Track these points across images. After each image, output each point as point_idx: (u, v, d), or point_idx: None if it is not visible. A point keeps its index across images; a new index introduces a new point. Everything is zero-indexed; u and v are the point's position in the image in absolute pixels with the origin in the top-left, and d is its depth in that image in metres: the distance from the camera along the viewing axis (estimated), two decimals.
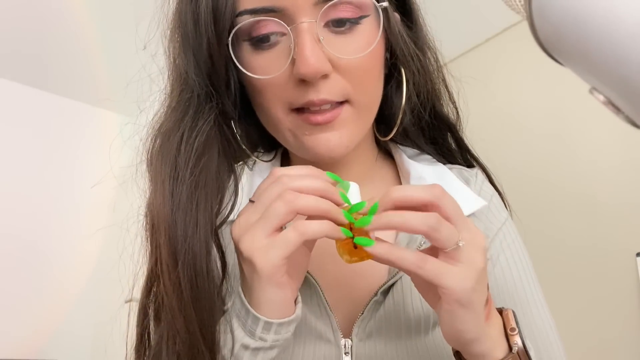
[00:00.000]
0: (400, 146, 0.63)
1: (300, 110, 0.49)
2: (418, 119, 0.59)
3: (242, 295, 0.42)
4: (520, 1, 0.34)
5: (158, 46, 0.54)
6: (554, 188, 1.73)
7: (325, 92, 0.47)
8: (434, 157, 0.62)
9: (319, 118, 0.48)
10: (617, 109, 0.26)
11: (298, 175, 0.41)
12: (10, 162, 2.61)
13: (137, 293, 0.51)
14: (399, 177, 0.61)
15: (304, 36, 0.45)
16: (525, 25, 0.30)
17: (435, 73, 0.59)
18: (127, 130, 0.59)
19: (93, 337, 2.65)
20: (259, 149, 0.62)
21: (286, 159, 0.62)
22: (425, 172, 0.57)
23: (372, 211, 0.40)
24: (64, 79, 2.66)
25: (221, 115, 0.51)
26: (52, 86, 2.73)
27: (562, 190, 1.72)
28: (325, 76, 0.47)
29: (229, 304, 0.49)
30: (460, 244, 0.38)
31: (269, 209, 0.39)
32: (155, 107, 0.53)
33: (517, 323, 0.42)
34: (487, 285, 0.41)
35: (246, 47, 0.48)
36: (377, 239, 0.40)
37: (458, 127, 0.63)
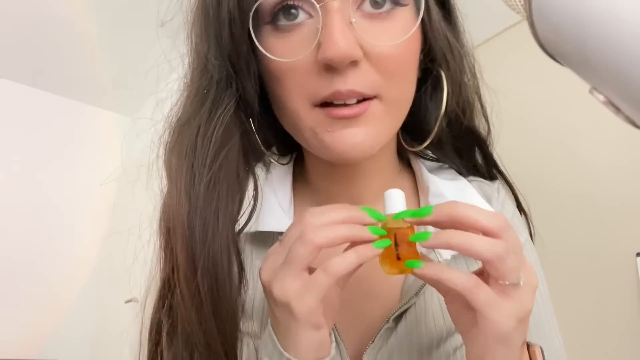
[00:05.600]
0: (421, 158, 0.58)
1: (323, 105, 0.44)
2: (448, 130, 0.54)
3: (275, 339, 0.39)
4: (520, 1, 0.34)
5: (179, 31, 0.51)
6: (554, 188, 1.73)
7: (354, 82, 0.41)
8: (455, 168, 0.58)
9: (345, 111, 0.42)
10: (617, 109, 0.26)
11: (320, 210, 0.38)
12: (10, 162, 2.61)
13: (149, 304, 0.48)
14: (417, 191, 0.56)
15: (333, 16, 0.40)
16: (525, 25, 0.30)
17: (471, 82, 0.55)
18: (140, 124, 0.57)
19: (93, 337, 2.65)
20: (273, 150, 0.57)
21: (300, 163, 0.57)
22: (446, 188, 0.53)
23: (420, 214, 0.37)
24: (64, 79, 2.66)
25: (242, 102, 0.47)
26: (52, 86, 2.73)
27: (561, 190, 1.72)
28: (354, 63, 0.41)
29: (246, 325, 0.46)
30: (520, 282, 0.35)
31: (290, 252, 0.37)
32: (173, 99, 0.50)
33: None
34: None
35: (268, 31, 0.44)
36: (424, 257, 0.38)
37: (488, 142, 0.58)
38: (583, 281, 1.65)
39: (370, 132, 0.44)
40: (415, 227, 0.39)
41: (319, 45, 0.41)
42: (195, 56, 0.48)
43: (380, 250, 0.37)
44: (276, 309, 0.38)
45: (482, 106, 0.57)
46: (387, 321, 0.47)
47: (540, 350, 0.40)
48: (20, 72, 2.60)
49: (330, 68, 0.41)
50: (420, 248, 0.39)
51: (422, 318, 0.48)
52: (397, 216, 0.39)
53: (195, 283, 0.41)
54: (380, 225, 0.39)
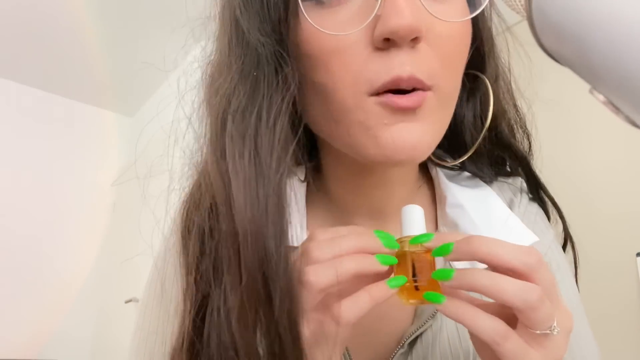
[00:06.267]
0: (438, 165, 0.53)
1: (377, 94, 0.38)
2: (483, 142, 0.49)
3: None
4: (520, 1, 0.34)
5: (184, 26, 0.47)
6: (553, 187, 1.73)
7: (413, 66, 0.37)
8: (479, 175, 0.53)
9: (404, 101, 0.37)
10: (616, 109, 0.26)
11: (328, 239, 0.35)
12: (11, 162, 2.61)
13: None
14: (435, 202, 0.52)
15: None
16: (525, 25, 0.29)
17: (506, 94, 0.51)
18: (142, 122, 0.53)
19: (93, 337, 2.65)
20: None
21: (314, 173, 0.51)
22: (465, 199, 0.49)
23: (443, 252, 0.34)
24: (64, 79, 2.66)
25: (296, 90, 0.40)
26: (52, 86, 2.73)
27: (561, 190, 1.72)
28: (414, 42, 0.37)
29: None
30: (554, 332, 0.32)
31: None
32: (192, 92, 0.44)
33: None
34: None
35: (309, 8, 0.38)
36: (449, 290, 0.34)
37: (530, 159, 0.53)
38: (583, 281, 1.64)
39: (427, 129, 0.39)
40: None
41: (375, 20, 0.36)
42: (234, 34, 0.42)
43: (395, 290, 0.34)
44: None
45: (520, 119, 0.52)
46: (402, 346, 0.44)
47: None
48: (21, 72, 2.61)
49: (386, 47, 0.37)
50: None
51: (437, 341, 0.45)
52: (414, 241, 0.35)
53: (270, 314, 0.33)
54: (396, 251, 0.36)
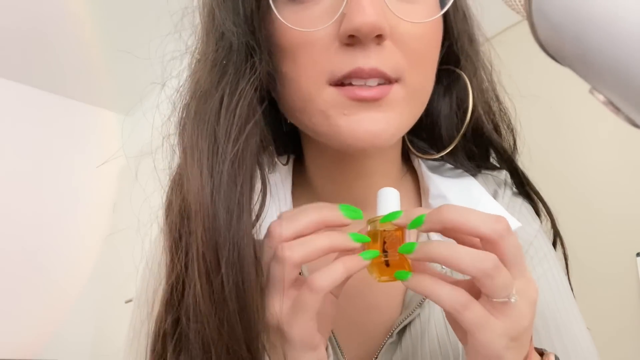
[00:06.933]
0: (422, 157, 0.53)
1: (339, 85, 0.40)
2: (464, 139, 0.50)
3: None
4: (520, 1, 0.34)
5: (181, 23, 0.49)
6: (553, 188, 1.73)
7: (377, 60, 0.38)
8: (461, 169, 0.53)
9: (366, 93, 0.38)
10: (617, 109, 0.26)
11: (291, 214, 0.36)
12: (10, 162, 2.61)
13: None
14: (419, 193, 0.52)
15: None
16: (525, 25, 0.29)
17: (490, 90, 0.51)
18: (140, 117, 0.52)
19: (93, 337, 2.65)
20: (271, 147, 0.51)
21: (299, 164, 0.53)
22: (448, 189, 0.49)
23: (416, 224, 0.35)
24: (64, 79, 2.66)
25: (263, 77, 0.41)
26: (52, 86, 2.73)
27: (561, 190, 1.72)
28: (379, 40, 0.38)
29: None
30: (512, 300, 0.33)
31: (269, 273, 0.36)
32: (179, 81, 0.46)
33: None
34: (531, 338, 0.36)
35: (283, 2, 0.40)
36: (417, 266, 0.36)
37: (514, 157, 0.53)
38: (583, 281, 1.64)
39: (392, 119, 0.40)
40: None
41: (342, 18, 0.38)
42: (211, 25, 0.44)
43: (368, 262, 0.35)
44: (269, 332, 0.36)
45: (503, 115, 0.53)
46: (391, 335, 0.45)
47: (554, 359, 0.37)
48: (20, 72, 2.61)
49: (352, 43, 0.38)
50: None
51: (426, 330, 0.45)
52: (384, 219, 0.36)
53: (219, 276, 0.35)
54: (369, 228, 0.37)
